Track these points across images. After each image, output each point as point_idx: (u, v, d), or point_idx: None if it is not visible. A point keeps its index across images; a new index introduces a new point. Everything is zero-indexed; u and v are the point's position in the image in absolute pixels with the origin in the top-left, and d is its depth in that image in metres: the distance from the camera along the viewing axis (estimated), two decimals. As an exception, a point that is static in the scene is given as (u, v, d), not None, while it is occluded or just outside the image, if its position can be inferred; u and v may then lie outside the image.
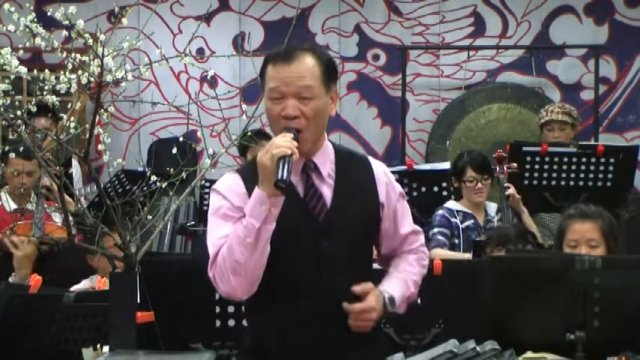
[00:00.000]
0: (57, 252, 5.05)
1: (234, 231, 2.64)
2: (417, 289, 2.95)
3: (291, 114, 2.69)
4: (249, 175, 2.74)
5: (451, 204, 5.64)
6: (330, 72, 2.77)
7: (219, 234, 2.70)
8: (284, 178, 2.57)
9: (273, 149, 2.60)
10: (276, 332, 2.75)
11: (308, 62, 2.73)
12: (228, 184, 2.76)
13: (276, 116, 2.72)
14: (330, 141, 2.87)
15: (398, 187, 2.93)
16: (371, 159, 2.92)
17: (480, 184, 5.55)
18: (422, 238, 2.99)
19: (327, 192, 2.76)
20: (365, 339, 2.78)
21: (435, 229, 5.52)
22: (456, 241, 5.52)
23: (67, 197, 3.62)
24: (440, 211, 5.58)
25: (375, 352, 2.88)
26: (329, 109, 2.78)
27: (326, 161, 2.80)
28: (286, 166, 2.58)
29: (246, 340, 2.92)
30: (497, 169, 5.67)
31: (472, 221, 5.53)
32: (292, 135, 2.65)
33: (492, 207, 5.69)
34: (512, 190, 5.60)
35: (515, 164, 5.71)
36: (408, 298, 2.90)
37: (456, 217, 5.55)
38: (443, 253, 5.31)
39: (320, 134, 2.78)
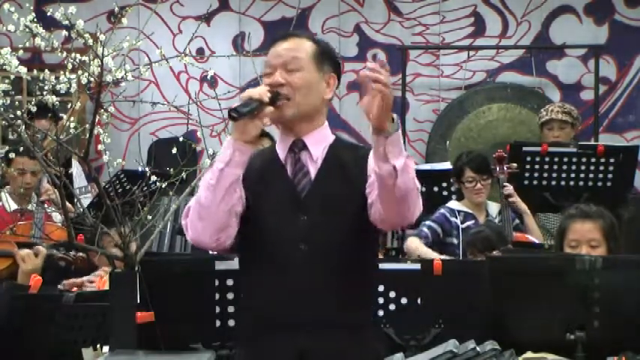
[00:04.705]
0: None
1: (203, 177, 2.74)
2: (411, 174, 2.63)
3: (277, 80, 2.76)
4: None
5: (453, 204, 5.66)
6: (325, 55, 2.85)
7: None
8: (237, 109, 2.65)
9: (243, 94, 2.69)
10: (261, 311, 2.76)
11: (302, 41, 2.84)
12: None
13: None
14: (335, 134, 2.89)
15: None
16: None
17: (479, 185, 5.57)
18: None
19: (314, 171, 2.80)
20: (355, 328, 2.76)
21: (427, 222, 5.53)
22: (455, 241, 5.53)
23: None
24: (441, 210, 5.60)
25: (371, 352, 2.83)
26: (322, 90, 2.82)
27: (320, 144, 2.82)
28: (248, 105, 2.65)
29: (239, 328, 2.92)
30: (497, 169, 5.67)
31: (473, 221, 5.54)
32: (269, 88, 2.73)
33: (494, 207, 5.69)
34: (510, 191, 5.59)
35: (515, 164, 5.71)
36: (404, 157, 2.62)
37: (456, 217, 5.56)
38: (416, 243, 5.41)
39: (309, 111, 2.80)
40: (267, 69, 2.80)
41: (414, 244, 5.44)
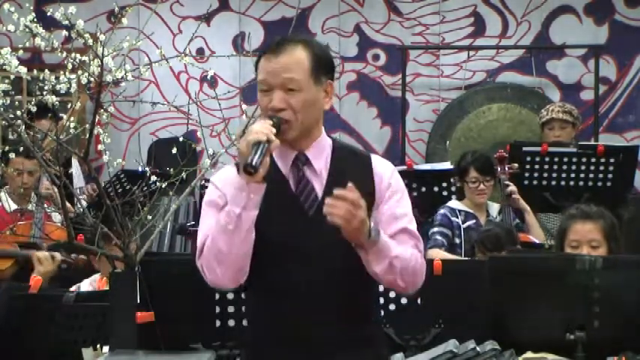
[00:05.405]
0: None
1: (217, 220, 2.65)
2: (400, 269, 2.69)
3: (276, 106, 2.69)
4: None
5: (454, 203, 5.66)
6: (321, 64, 2.75)
7: (208, 222, 2.70)
8: (253, 162, 2.56)
9: (249, 135, 2.60)
10: (268, 327, 2.75)
11: (296, 54, 2.72)
12: (224, 176, 2.76)
13: (264, 108, 2.73)
14: (331, 137, 2.85)
15: (396, 186, 2.82)
16: (376, 158, 2.86)
17: (482, 185, 5.57)
18: (417, 242, 2.80)
19: (318, 186, 2.75)
20: (360, 338, 2.75)
21: (435, 229, 5.52)
22: (457, 240, 5.53)
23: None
24: (442, 210, 5.60)
25: (372, 353, 2.82)
26: (321, 102, 2.76)
27: (321, 155, 2.78)
28: (259, 152, 2.57)
29: (245, 336, 2.94)
30: (499, 169, 5.68)
31: (474, 221, 5.54)
32: (272, 122, 2.65)
33: (494, 207, 5.69)
34: (513, 188, 5.60)
35: (516, 165, 5.71)
36: (390, 259, 2.67)
37: (457, 217, 5.56)
38: (440, 254, 5.29)
39: (310, 126, 2.75)
40: (263, 86, 2.72)
41: (439, 255, 5.32)
